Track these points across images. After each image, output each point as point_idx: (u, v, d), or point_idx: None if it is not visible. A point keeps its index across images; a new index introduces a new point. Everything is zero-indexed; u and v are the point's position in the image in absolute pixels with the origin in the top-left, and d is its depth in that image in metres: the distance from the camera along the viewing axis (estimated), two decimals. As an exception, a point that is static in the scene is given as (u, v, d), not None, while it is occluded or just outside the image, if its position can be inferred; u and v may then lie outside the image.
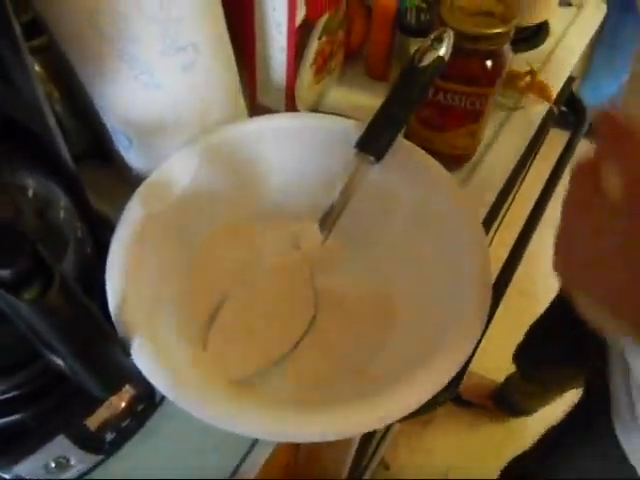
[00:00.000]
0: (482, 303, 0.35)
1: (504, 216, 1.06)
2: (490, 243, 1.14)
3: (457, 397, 1.34)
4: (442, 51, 0.42)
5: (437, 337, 0.36)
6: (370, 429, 0.31)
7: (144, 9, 0.34)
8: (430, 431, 1.33)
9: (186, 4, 0.35)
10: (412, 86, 0.42)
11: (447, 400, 0.51)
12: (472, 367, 1.36)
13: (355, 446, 0.67)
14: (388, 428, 1.11)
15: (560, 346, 0.82)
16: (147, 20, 0.34)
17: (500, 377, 1.27)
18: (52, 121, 0.34)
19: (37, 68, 0.44)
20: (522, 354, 0.98)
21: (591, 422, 0.63)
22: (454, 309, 0.36)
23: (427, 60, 0.42)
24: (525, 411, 1.21)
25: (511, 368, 1.16)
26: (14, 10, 0.30)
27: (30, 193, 0.32)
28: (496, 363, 1.30)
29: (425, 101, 0.50)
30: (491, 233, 1.01)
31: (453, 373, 0.32)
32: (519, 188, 1.00)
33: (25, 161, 0.34)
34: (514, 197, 1.02)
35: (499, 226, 1.08)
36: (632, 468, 0.56)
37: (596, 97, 1.83)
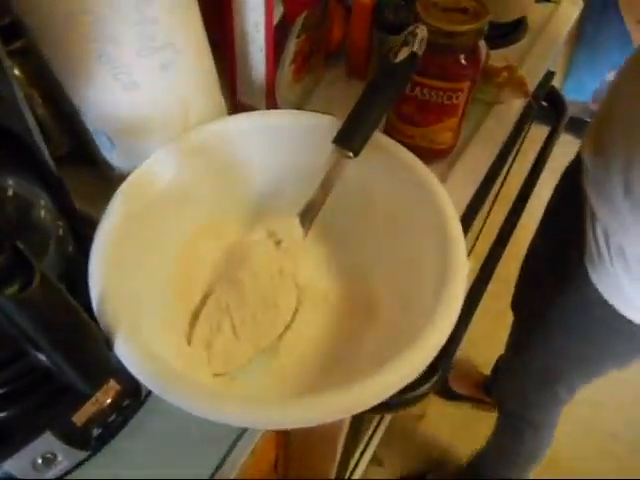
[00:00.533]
0: (456, 296, 0.36)
1: (490, 209, 1.08)
2: (477, 237, 1.16)
3: (448, 390, 1.35)
4: (416, 47, 0.43)
5: (415, 329, 0.36)
6: (348, 414, 0.31)
7: (120, 10, 0.34)
8: (423, 426, 1.34)
9: (161, 5, 0.36)
10: (388, 82, 0.43)
11: (432, 390, 0.52)
12: (461, 357, 1.37)
13: (342, 442, 0.67)
14: (378, 423, 1.12)
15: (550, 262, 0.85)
16: (123, 21, 0.35)
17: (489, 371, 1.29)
18: (32, 123, 0.35)
19: (17, 71, 0.45)
20: (517, 298, 1.00)
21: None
22: (431, 301, 0.37)
23: (401, 56, 0.43)
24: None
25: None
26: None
27: (10, 192, 0.33)
28: (485, 359, 1.32)
29: (401, 96, 0.51)
30: (476, 227, 1.02)
31: (426, 362, 0.33)
32: (503, 183, 1.02)
33: (5, 162, 0.35)
34: (498, 191, 1.03)
35: (486, 220, 1.10)
36: (611, 307, 0.64)
37: (579, 93, 1.85)
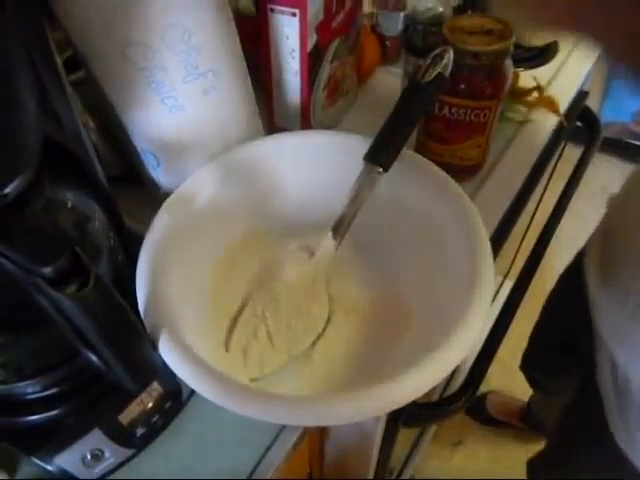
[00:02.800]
0: (482, 307, 0.37)
1: (526, 231, 1.07)
2: (514, 259, 1.15)
3: (487, 416, 1.32)
4: (442, 68, 0.45)
5: (443, 338, 0.37)
6: (383, 411, 0.33)
7: (167, 40, 0.38)
8: (460, 453, 1.31)
9: (204, 35, 0.40)
10: (415, 100, 0.45)
11: (466, 404, 0.52)
12: (500, 387, 1.35)
13: (374, 461, 0.68)
14: (414, 447, 1.10)
15: (554, 351, 0.82)
16: (170, 50, 0.39)
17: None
18: (89, 146, 0.39)
19: (76, 100, 0.49)
20: (526, 362, 0.99)
21: (587, 423, 0.64)
22: (459, 311, 0.38)
23: (428, 76, 0.45)
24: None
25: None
26: (56, 47, 0.34)
27: (69, 205, 0.36)
28: (525, 386, 1.29)
29: (431, 115, 0.53)
30: (511, 248, 1.02)
31: (457, 360, 0.34)
32: (538, 205, 1.01)
33: (66, 179, 0.38)
34: (534, 213, 1.03)
35: (522, 242, 1.09)
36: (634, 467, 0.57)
37: (618, 114, 1.83)
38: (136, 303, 0.38)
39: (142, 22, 0.37)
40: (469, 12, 0.67)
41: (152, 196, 0.51)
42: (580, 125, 0.83)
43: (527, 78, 0.71)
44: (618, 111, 1.83)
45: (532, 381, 1.03)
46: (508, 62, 0.51)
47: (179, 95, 0.42)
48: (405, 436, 1.08)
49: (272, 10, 0.50)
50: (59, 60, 0.35)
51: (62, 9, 0.37)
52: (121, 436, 0.40)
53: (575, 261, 0.75)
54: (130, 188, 0.53)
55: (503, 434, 1.31)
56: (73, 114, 0.36)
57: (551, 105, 0.70)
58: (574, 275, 0.69)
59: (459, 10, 0.68)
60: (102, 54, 0.40)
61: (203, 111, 0.44)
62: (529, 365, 0.99)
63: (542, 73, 0.74)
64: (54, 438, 0.38)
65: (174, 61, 0.40)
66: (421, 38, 0.62)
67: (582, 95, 0.81)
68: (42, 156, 0.33)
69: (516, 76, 0.69)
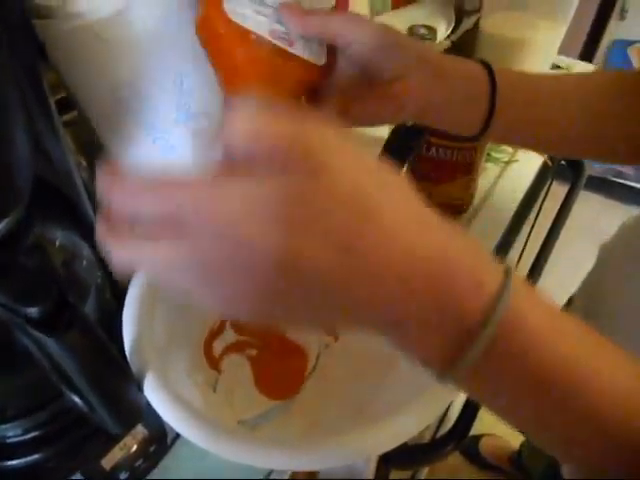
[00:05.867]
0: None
1: (516, 266, 1.08)
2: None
3: (480, 459, 1.30)
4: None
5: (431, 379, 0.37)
6: (366, 455, 0.32)
7: (159, 83, 0.39)
8: (454, 495, 1.29)
9: (197, 78, 0.40)
10: (402, 141, 0.46)
11: (452, 451, 0.52)
12: (493, 428, 1.33)
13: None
14: (408, 488, 1.08)
15: None
16: (162, 92, 0.39)
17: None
18: (79, 184, 0.39)
19: (68, 140, 0.50)
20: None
21: None
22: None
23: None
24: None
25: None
26: (50, 88, 0.35)
27: (57, 244, 0.36)
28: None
29: (418, 157, 0.54)
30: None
31: (442, 407, 0.34)
32: (526, 243, 1.03)
33: (55, 217, 0.38)
34: (522, 250, 1.04)
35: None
36: None
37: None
38: (122, 341, 0.37)
39: (134, 66, 0.38)
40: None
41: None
42: (565, 164, 0.85)
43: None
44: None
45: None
46: (492, 105, 0.53)
47: (170, 136, 0.42)
48: (398, 476, 1.06)
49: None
50: (52, 100, 0.35)
51: (55, 51, 0.38)
52: (103, 481, 0.39)
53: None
54: (120, 226, 0.54)
55: (497, 476, 1.29)
56: (64, 153, 0.37)
57: (536, 146, 0.71)
58: None
59: (447, 52, 0.71)
60: (94, 97, 0.40)
61: (194, 152, 0.45)
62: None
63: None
64: (34, 484, 0.37)
65: (166, 103, 0.40)
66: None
67: (566, 135, 0.83)
68: (32, 195, 0.33)
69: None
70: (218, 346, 0.45)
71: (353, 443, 0.32)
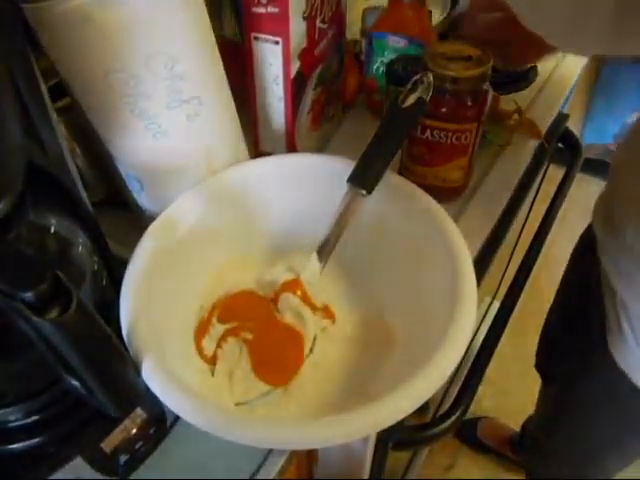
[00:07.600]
0: (466, 325, 0.37)
1: (512, 252, 1.08)
2: (501, 280, 1.15)
3: (477, 442, 1.31)
4: (422, 92, 0.46)
5: (429, 355, 0.37)
6: (364, 434, 0.33)
7: (150, 68, 0.39)
8: (452, 476, 1.30)
9: (188, 62, 0.40)
10: (397, 124, 0.46)
11: (452, 428, 0.52)
12: (492, 412, 1.33)
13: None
14: (406, 471, 1.09)
15: (568, 332, 0.82)
16: (154, 77, 0.39)
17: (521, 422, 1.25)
18: (74, 171, 0.39)
19: (62, 126, 0.50)
20: (540, 359, 0.97)
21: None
22: (443, 329, 0.38)
23: (409, 101, 0.46)
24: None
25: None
26: (42, 75, 0.35)
27: (52, 230, 0.36)
28: (517, 407, 1.28)
29: (413, 138, 0.54)
30: (497, 269, 1.02)
31: (438, 384, 0.34)
32: (524, 226, 1.03)
33: (49, 204, 0.38)
34: (520, 233, 1.04)
35: (509, 263, 1.10)
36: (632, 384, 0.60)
37: (600, 136, 1.87)
38: (120, 327, 0.38)
39: (125, 50, 0.38)
40: (450, 39, 0.70)
41: (137, 220, 0.51)
42: (562, 147, 0.85)
43: (508, 101, 0.73)
44: (600, 133, 1.87)
45: (546, 376, 1.01)
46: (487, 86, 0.53)
47: (162, 122, 0.42)
48: (397, 460, 1.07)
49: (256, 38, 0.51)
50: (44, 87, 0.35)
51: (45, 37, 0.37)
52: (104, 464, 0.39)
53: (583, 237, 0.77)
54: (115, 212, 0.54)
55: (495, 459, 1.31)
56: (57, 140, 0.36)
57: (532, 127, 0.71)
58: (583, 251, 0.73)
59: (440, 37, 0.70)
60: (85, 82, 0.40)
61: (187, 137, 0.45)
62: (543, 360, 0.97)
63: (523, 96, 0.75)
64: (35, 467, 0.37)
65: (158, 88, 0.40)
66: (402, 66, 0.63)
67: (562, 117, 0.83)
68: (25, 181, 0.33)
69: (497, 99, 0.70)
70: (210, 338, 0.45)
71: (352, 420, 0.32)
